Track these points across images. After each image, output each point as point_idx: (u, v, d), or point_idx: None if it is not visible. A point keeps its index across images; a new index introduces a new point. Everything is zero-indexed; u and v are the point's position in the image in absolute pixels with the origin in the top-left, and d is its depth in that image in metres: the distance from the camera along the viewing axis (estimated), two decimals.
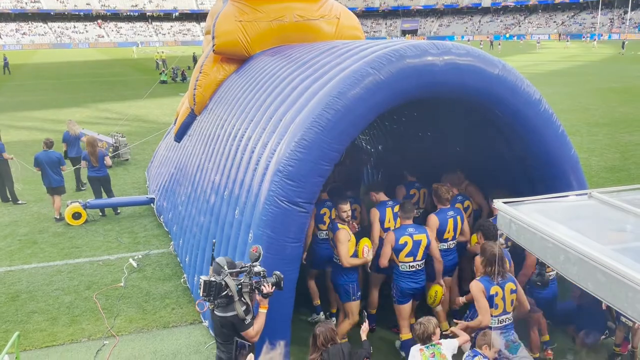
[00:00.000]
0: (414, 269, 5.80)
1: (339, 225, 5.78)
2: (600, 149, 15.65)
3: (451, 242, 6.22)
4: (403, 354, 5.87)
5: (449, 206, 6.25)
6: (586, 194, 4.17)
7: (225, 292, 4.34)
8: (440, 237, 6.14)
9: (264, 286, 4.48)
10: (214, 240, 4.66)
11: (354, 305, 5.87)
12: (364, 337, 4.77)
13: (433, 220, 6.12)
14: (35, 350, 6.35)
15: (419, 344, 4.67)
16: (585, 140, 16.74)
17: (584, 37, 72.77)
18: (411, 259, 5.76)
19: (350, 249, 5.74)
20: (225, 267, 4.48)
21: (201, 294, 4.30)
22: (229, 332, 4.47)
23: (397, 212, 6.24)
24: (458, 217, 6.22)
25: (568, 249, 3.20)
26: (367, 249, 5.70)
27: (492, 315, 4.95)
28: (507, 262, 5.34)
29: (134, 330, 6.75)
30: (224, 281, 4.35)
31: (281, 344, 4.29)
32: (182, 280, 7.92)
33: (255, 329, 4.48)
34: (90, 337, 6.62)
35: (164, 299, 7.48)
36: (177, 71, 37.91)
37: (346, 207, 5.85)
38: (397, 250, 5.76)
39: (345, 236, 5.69)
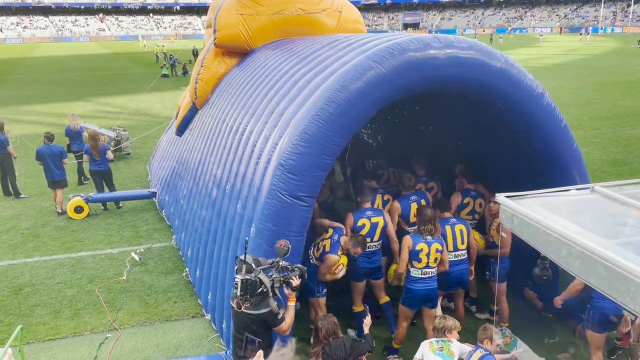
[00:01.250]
0: (370, 249, 6.03)
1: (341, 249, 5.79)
2: (602, 142, 15.61)
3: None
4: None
5: (412, 192, 6.65)
6: (588, 187, 4.17)
7: (260, 289, 4.36)
8: (407, 221, 6.49)
9: (292, 279, 4.51)
10: (246, 239, 4.62)
11: (321, 302, 5.90)
12: (366, 330, 4.78)
13: (395, 206, 6.55)
14: (38, 344, 6.38)
15: (431, 338, 4.71)
16: (588, 134, 16.69)
17: (581, 32, 72.48)
18: (368, 239, 5.96)
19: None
20: (254, 264, 4.47)
21: (239, 294, 4.29)
22: (259, 330, 4.45)
23: (386, 200, 6.75)
24: (422, 201, 6.55)
25: (570, 243, 3.20)
26: (341, 267, 5.71)
27: (415, 267, 5.63)
28: (439, 226, 5.83)
29: (136, 323, 6.78)
30: (258, 278, 4.35)
31: (292, 340, 4.30)
32: (184, 273, 7.94)
33: (287, 323, 4.51)
34: (93, 330, 6.65)
35: (166, 293, 7.50)
36: (176, 63, 37.78)
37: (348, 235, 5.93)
38: (355, 231, 6.00)
39: (333, 261, 5.68)
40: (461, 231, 5.98)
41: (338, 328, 4.55)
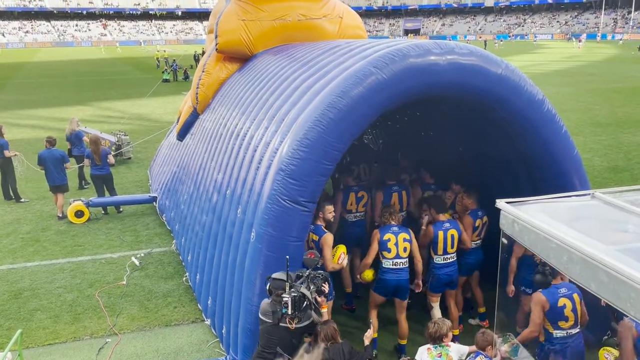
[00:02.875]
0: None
1: (324, 228, 5.77)
2: (603, 149, 15.62)
3: (401, 213, 6.75)
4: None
5: (394, 182, 7.16)
6: (589, 194, 4.18)
7: (305, 302, 4.44)
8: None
9: (323, 286, 4.63)
10: (287, 257, 4.70)
11: (328, 305, 5.85)
12: (366, 342, 4.78)
13: (378, 196, 7.05)
14: (37, 348, 6.37)
15: (428, 344, 4.70)
16: (588, 140, 16.70)
17: (580, 38, 72.87)
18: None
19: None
20: (289, 280, 4.54)
21: (290, 312, 4.35)
22: (297, 343, 4.50)
23: (360, 196, 7.09)
24: (403, 192, 7.08)
25: (571, 249, 3.20)
26: (343, 255, 5.73)
27: (386, 258, 5.79)
28: (399, 214, 6.12)
29: (136, 328, 6.76)
30: (301, 292, 4.43)
31: (321, 346, 4.33)
32: (184, 278, 7.93)
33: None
34: (93, 335, 6.63)
35: (166, 297, 7.49)
36: (177, 68, 37.89)
37: (331, 208, 5.92)
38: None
39: (331, 240, 5.68)
40: (452, 236, 6.06)
41: (337, 334, 4.55)
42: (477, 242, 6.45)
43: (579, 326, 4.86)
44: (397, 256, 5.80)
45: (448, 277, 6.12)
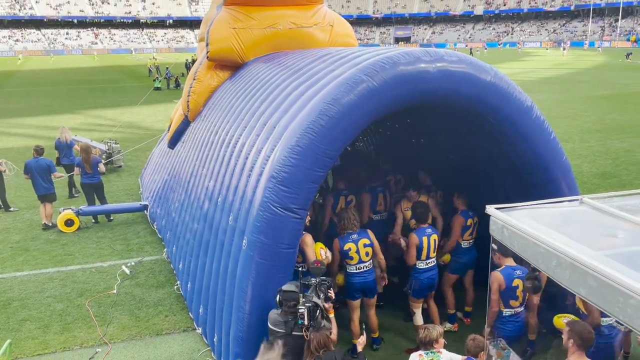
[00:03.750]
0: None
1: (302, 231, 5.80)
2: (592, 155, 15.77)
3: (383, 214, 7.35)
4: None
5: (379, 184, 7.56)
6: (578, 199, 4.21)
7: (318, 311, 4.51)
8: (373, 209, 7.34)
9: (330, 293, 4.71)
10: (299, 269, 4.82)
11: None
12: (359, 349, 4.78)
13: (365, 197, 7.32)
14: (27, 358, 6.30)
15: (420, 350, 4.69)
16: (577, 146, 16.86)
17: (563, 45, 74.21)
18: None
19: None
20: (300, 290, 4.63)
21: (306, 323, 4.40)
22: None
23: (349, 200, 7.25)
24: (387, 192, 7.48)
25: (560, 254, 3.23)
26: (322, 251, 5.88)
27: (350, 264, 6.00)
28: (356, 220, 6.14)
29: (126, 337, 6.71)
30: (314, 302, 4.50)
31: (279, 343, 4.32)
32: (175, 287, 7.89)
33: (335, 334, 4.70)
34: (83, 344, 6.57)
35: (157, 306, 7.45)
36: (170, 77, 37.88)
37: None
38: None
39: (311, 240, 5.78)
40: (435, 241, 6.25)
41: (330, 341, 4.54)
42: (471, 241, 6.65)
43: (524, 306, 5.35)
44: (360, 261, 6.01)
45: (431, 280, 6.31)
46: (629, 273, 2.85)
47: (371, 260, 6.10)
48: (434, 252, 6.28)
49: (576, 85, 33.85)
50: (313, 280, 4.71)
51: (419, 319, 6.34)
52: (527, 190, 5.84)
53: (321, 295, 4.64)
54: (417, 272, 6.26)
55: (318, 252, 5.84)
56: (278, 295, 4.67)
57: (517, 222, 3.69)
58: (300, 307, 4.44)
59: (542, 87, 33.05)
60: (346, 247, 5.99)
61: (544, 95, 28.34)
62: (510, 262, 5.27)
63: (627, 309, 2.75)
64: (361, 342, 4.82)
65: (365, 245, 6.02)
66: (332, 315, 4.76)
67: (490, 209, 3.96)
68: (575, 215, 4.08)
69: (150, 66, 47.15)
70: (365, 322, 6.16)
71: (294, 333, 4.51)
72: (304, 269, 5.61)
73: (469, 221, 6.57)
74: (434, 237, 6.25)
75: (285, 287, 4.64)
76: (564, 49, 70.42)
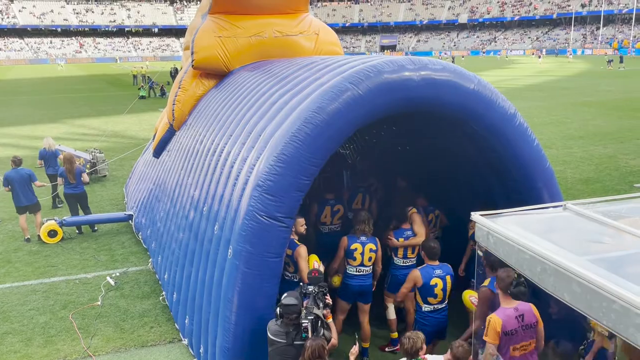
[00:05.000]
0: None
1: (296, 241, 5.78)
2: (575, 161, 15.97)
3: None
4: None
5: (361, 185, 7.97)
6: (562, 205, 4.25)
7: (319, 322, 4.55)
8: (350, 206, 7.61)
9: (327, 299, 4.79)
10: (301, 284, 4.89)
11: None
12: (352, 359, 4.76)
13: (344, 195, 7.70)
14: None
15: (404, 358, 4.67)
16: (560, 153, 17.07)
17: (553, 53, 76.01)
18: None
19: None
20: (302, 303, 4.65)
21: (310, 335, 4.42)
22: None
23: (336, 210, 7.37)
24: (367, 195, 7.80)
25: (544, 260, 3.25)
26: (316, 263, 5.87)
27: (351, 265, 6.07)
28: (370, 224, 6.18)
29: (111, 350, 6.61)
30: (315, 314, 4.54)
31: None
32: (160, 297, 7.80)
33: (335, 338, 4.81)
34: (66, 357, 6.46)
35: (142, 317, 7.35)
36: (154, 85, 37.71)
37: (302, 221, 5.97)
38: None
39: (305, 252, 5.74)
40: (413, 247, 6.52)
41: (325, 352, 4.52)
42: (436, 232, 7.20)
43: (445, 302, 5.64)
44: (362, 264, 6.11)
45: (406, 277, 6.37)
46: (612, 278, 2.88)
47: (371, 266, 6.18)
48: (412, 253, 6.52)
49: (559, 93, 34.32)
50: (310, 289, 4.74)
51: (391, 314, 6.61)
52: (511, 197, 5.89)
53: (320, 305, 4.68)
54: (395, 267, 6.53)
55: (312, 264, 5.76)
56: (278, 309, 4.65)
57: (502, 229, 3.72)
58: (303, 321, 4.48)
59: (526, 94, 33.47)
60: (353, 246, 6.07)
61: (527, 103, 28.69)
62: (434, 262, 5.66)
63: (611, 314, 2.77)
64: (354, 352, 4.80)
65: (371, 250, 6.11)
66: (330, 320, 4.78)
67: (475, 215, 3.99)
68: (560, 222, 4.12)
69: (135, 74, 46.90)
70: (358, 331, 6.13)
71: (295, 343, 4.53)
72: (295, 280, 5.61)
73: (430, 216, 7.07)
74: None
75: (285, 301, 4.61)
76: (539, 57, 71.64)
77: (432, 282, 5.53)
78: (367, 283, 6.17)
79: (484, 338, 4.61)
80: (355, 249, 6.07)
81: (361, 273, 6.12)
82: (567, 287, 3.06)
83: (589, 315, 2.93)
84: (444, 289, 5.56)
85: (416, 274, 5.58)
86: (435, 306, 5.59)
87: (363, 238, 6.11)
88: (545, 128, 21.33)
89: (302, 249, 5.67)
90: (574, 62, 67.25)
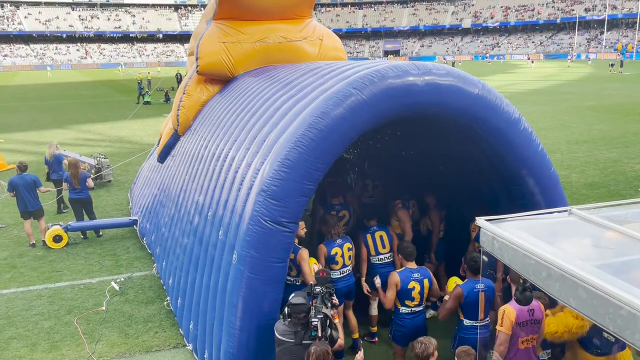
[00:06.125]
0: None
1: (297, 244, 5.83)
2: (580, 166, 15.91)
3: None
4: None
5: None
6: (567, 210, 4.23)
7: (328, 321, 4.56)
8: (328, 205, 7.73)
9: (334, 300, 4.83)
10: (312, 284, 4.92)
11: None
12: None
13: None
14: None
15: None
16: (565, 157, 17.01)
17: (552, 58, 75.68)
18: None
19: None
20: (309, 302, 4.67)
21: (320, 334, 4.45)
22: None
23: (342, 216, 7.49)
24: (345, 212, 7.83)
25: (550, 265, 3.23)
26: (315, 266, 5.97)
27: (334, 270, 6.19)
28: (340, 224, 6.59)
29: (115, 355, 6.61)
30: (324, 313, 4.56)
31: None
32: (165, 303, 7.80)
33: (342, 338, 4.88)
34: None
35: (146, 323, 7.35)
36: (149, 92, 37.84)
37: (303, 224, 6.00)
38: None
39: (307, 255, 5.83)
40: (381, 237, 6.62)
41: (330, 357, 4.50)
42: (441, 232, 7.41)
43: (423, 305, 5.75)
44: (344, 266, 6.28)
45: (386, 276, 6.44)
46: (618, 284, 2.86)
47: (351, 265, 6.35)
48: (384, 248, 6.61)
49: (563, 97, 34.24)
50: (318, 289, 4.76)
51: (374, 310, 6.82)
52: (516, 202, 5.87)
53: (328, 305, 4.72)
54: (374, 267, 6.62)
55: (311, 267, 5.84)
56: (286, 308, 4.67)
57: (507, 234, 3.70)
58: (313, 319, 4.50)
59: (530, 98, 33.41)
60: (333, 251, 6.21)
61: (532, 107, 28.63)
62: (412, 265, 5.74)
63: (617, 319, 2.75)
64: (359, 358, 4.78)
65: (349, 249, 6.32)
66: (337, 321, 4.81)
67: (480, 220, 3.97)
68: (565, 226, 4.10)
69: (140, 80, 47.08)
70: (345, 324, 6.26)
71: (304, 342, 4.54)
72: (297, 283, 5.62)
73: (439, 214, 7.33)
74: (381, 233, 6.63)
75: (294, 300, 4.65)
76: (532, 62, 71.39)
77: (410, 285, 5.59)
78: (351, 282, 6.35)
79: (498, 328, 4.74)
80: (336, 254, 6.21)
81: (344, 274, 6.28)
82: (573, 293, 3.04)
83: (595, 320, 2.91)
84: (421, 292, 5.64)
85: (396, 278, 5.64)
86: (413, 309, 5.66)
87: (339, 240, 6.29)
88: (550, 132, 21.27)
89: (305, 252, 5.71)
90: (579, 67, 67.07)
